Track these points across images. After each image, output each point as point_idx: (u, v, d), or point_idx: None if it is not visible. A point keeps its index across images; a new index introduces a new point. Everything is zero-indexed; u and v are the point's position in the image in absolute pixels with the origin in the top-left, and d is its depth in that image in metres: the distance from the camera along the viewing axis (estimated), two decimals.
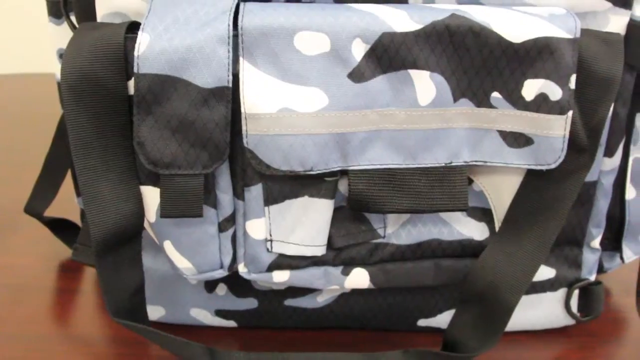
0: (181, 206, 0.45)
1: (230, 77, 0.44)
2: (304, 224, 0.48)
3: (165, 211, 0.46)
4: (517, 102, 0.46)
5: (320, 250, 0.49)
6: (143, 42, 0.43)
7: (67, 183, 0.75)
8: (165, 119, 0.44)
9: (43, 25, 1.13)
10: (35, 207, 0.64)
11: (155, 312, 0.55)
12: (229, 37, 0.43)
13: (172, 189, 0.45)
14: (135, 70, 0.43)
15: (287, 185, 0.47)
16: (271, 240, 0.48)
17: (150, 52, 0.43)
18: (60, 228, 0.66)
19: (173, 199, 0.45)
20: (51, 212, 0.71)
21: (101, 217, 0.46)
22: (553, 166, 0.47)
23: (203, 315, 0.55)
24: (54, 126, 0.93)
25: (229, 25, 0.43)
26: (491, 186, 0.50)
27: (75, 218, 0.70)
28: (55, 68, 0.58)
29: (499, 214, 0.50)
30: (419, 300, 0.54)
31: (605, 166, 0.52)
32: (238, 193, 0.48)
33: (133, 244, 0.48)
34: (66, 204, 0.72)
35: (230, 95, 0.44)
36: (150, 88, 0.43)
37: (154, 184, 0.47)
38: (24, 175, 0.80)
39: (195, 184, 0.45)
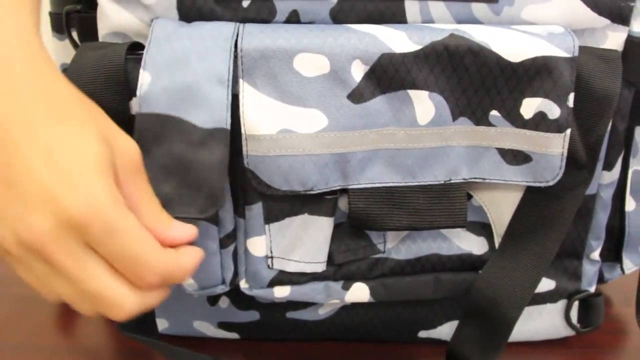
0: None
1: (229, 120, 0.44)
2: (304, 242, 0.48)
3: None
4: (516, 120, 0.46)
5: (320, 267, 0.49)
6: (144, 82, 0.43)
7: None
8: (162, 159, 0.44)
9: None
10: None
11: (159, 324, 0.56)
12: (228, 80, 0.44)
13: None
14: (137, 109, 0.43)
15: (287, 203, 0.47)
16: (272, 257, 0.49)
17: (151, 91, 0.43)
18: None
19: None
20: None
21: None
22: (551, 183, 0.47)
23: (206, 327, 0.56)
24: None
25: (229, 67, 0.44)
26: (490, 202, 0.50)
27: None
28: None
29: (498, 229, 0.51)
30: (419, 312, 0.55)
31: (604, 179, 0.52)
32: (239, 211, 0.48)
33: None
34: None
35: (228, 137, 0.44)
36: (151, 127, 0.43)
37: None
38: None
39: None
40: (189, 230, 0.42)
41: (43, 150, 0.36)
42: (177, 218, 0.43)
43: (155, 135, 0.43)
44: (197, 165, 0.43)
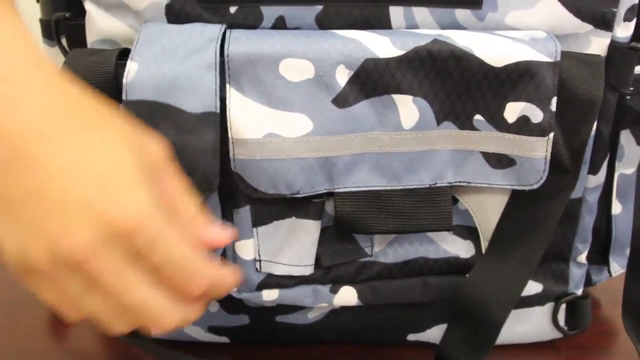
0: None
1: (218, 103, 0.44)
2: (292, 245, 0.49)
3: None
4: (500, 124, 0.46)
5: (308, 270, 0.50)
6: (131, 70, 0.44)
7: None
8: None
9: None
10: None
11: None
12: (216, 64, 0.44)
13: None
14: (123, 97, 0.44)
15: (274, 207, 0.48)
16: (260, 261, 0.49)
17: (138, 79, 0.44)
18: None
19: None
20: None
21: None
22: (535, 187, 0.48)
23: (196, 332, 0.56)
24: None
25: (216, 52, 0.44)
26: (476, 205, 0.50)
27: None
28: None
29: (484, 233, 0.51)
30: (408, 315, 0.55)
31: (589, 183, 0.52)
32: (227, 215, 0.49)
33: None
34: None
35: (218, 121, 0.45)
36: (138, 115, 0.44)
37: None
38: None
39: None
40: (226, 233, 0.40)
41: (70, 162, 0.33)
42: None
43: (144, 123, 0.44)
44: (188, 150, 0.44)
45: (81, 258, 0.33)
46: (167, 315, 0.36)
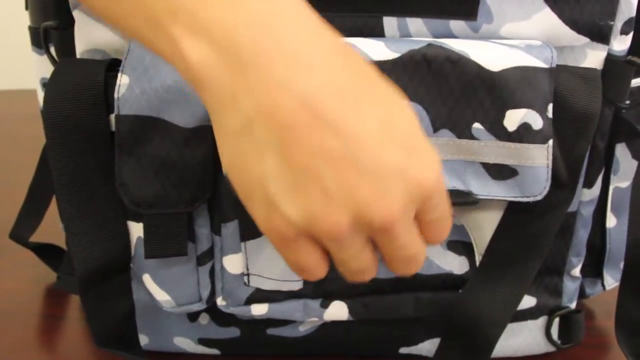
0: (165, 246, 0.46)
1: None
2: (281, 259, 0.48)
3: (149, 252, 0.46)
4: (500, 133, 0.46)
5: (296, 285, 0.49)
6: (122, 83, 0.43)
7: (53, 206, 0.75)
8: (147, 160, 0.44)
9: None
10: (20, 233, 0.64)
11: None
12: None
13: (155, 228, 0.46)
14: (115, 112, 0.44)
15: None
16: (248, 275, 0.49)
17: (130, 93, 0.43)
18: (46, 253, 0.66)
19: (156, 238, 0.46)
20: (37, 234, 0.71)
21: (86, 253, 0.47)
22: (539, 197, 0.46)
23: (186, 344, 0.55)
24: (40, 146, 0.92)
25: None
26: (472, 220, 0.50)
27: (61, 242, 0.70)
28: (39, 95, 0.58)
29: (479, 248, 0.50)
30: (400, 329, 0.54)
31: (584, 197, 0.52)
32: (215, 228, 0.48)
33: (121, 275, 0.49)
34: (52, 227, 0.72)
35: (212, 134, 0.44)
36: (131, 129, 0.44)
37: (135, 220, 0.47)
38: (10, 197, 0.80)
39: (178, 223, 0.46)
40: None
41: (378, 127, 0.33)
42: (164, 214, 0.45)
43: (136, 137, 0.44)
44: (182, 165, 0.44)
45: (392, 221, 0.34)
46: (422, 260, 0.37)
